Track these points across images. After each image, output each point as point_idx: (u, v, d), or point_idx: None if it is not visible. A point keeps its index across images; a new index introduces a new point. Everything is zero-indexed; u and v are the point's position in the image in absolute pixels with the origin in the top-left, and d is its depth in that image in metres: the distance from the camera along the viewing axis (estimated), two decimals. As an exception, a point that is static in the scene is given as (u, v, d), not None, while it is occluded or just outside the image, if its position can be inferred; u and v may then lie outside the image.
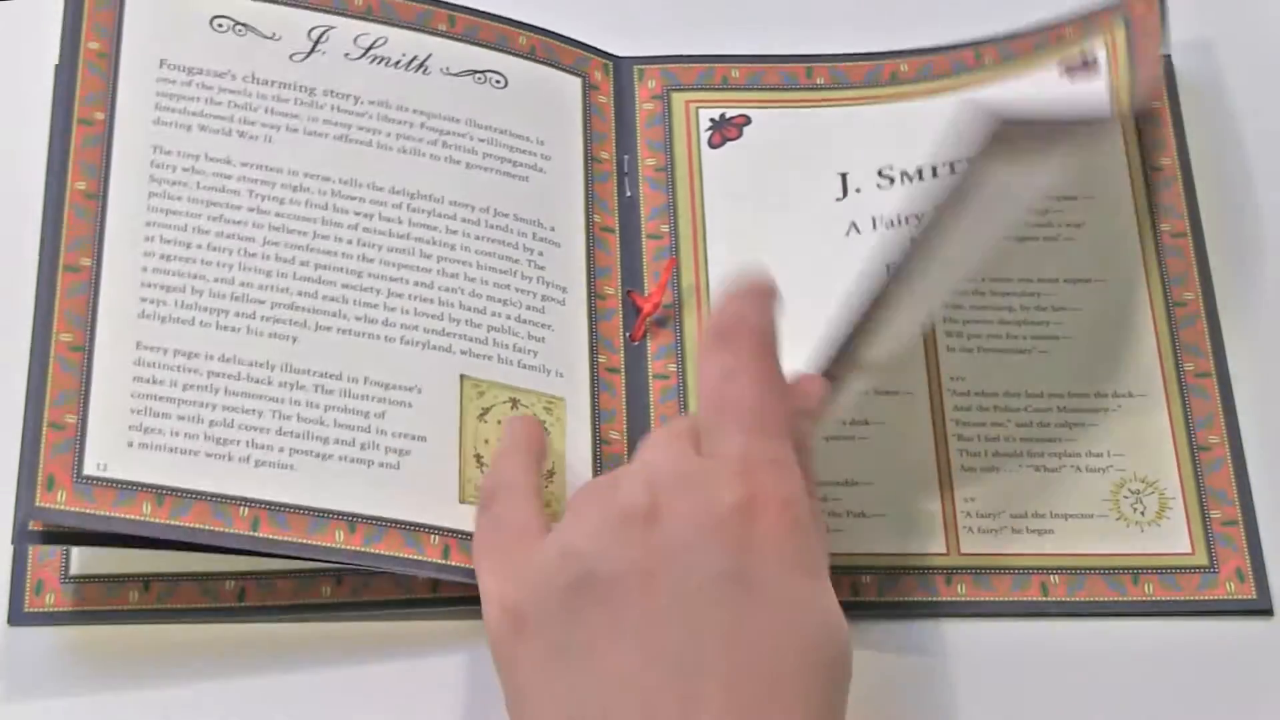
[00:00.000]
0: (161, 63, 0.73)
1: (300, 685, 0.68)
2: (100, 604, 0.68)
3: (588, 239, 0.75)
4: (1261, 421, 0.73)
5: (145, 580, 0.69)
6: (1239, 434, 0.72)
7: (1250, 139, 0.79)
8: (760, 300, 0.64)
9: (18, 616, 0.68)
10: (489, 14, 0.77)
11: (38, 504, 0.65)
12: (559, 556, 0.60)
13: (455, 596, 0.68)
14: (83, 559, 0.69)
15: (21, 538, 0.66)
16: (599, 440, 0.71)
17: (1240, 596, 0.69)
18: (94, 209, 0.70)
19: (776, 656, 0.58)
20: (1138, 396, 0.73)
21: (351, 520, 0.67)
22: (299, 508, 0.67)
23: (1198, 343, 0.73)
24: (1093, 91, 0.75)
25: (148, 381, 0.68)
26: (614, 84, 0.78)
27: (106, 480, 0.66)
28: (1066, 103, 0.75)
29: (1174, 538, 0.70)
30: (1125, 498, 0.71)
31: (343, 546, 0.67)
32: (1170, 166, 0.77)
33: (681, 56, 0.79)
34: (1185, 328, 0.74)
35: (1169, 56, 0.78)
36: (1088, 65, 0.75)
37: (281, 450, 0.68)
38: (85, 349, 0.68)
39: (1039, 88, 0.76)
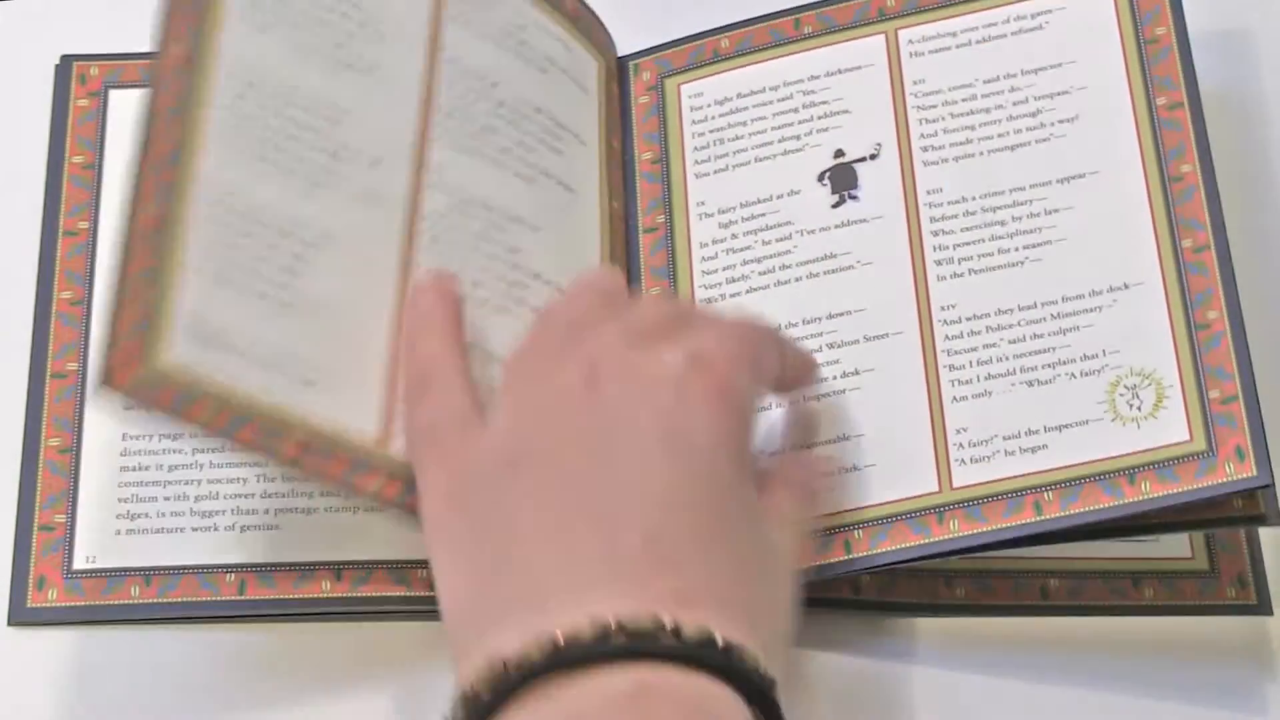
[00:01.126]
0: None
1: (300, 687, 0.69)
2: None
3: None
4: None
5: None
6: (1239, 307, 0.69)
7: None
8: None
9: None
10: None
11: (29, 605, 0.69)
12: (501, 442, 0.61)
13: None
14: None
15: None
16: None
17: (1240, 476, 0.66)
18: (79, 315, 0.73)
19: (696, 518, 0.59)
20: (1134, 287, 0.70)
21: (338, 568, 0.69)
22: (285, 565, 0.70)
23: (1196, 216, 0.70)
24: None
25: (134, 469, 0.71)
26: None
27: (95, 571, 0.70)
28: None
29: (1172, 428, 0.68)
30: (1121, 395, 0.69)
31: (329, 595, 0.69)
32: (1165, 36, 0.74)
33: (671, 42, 0.79)
34: (1183, 203, 0.71)
35: None
36: None
37: (266, 513, 0.70)
38: (73, 450, 0.71)
39: None
